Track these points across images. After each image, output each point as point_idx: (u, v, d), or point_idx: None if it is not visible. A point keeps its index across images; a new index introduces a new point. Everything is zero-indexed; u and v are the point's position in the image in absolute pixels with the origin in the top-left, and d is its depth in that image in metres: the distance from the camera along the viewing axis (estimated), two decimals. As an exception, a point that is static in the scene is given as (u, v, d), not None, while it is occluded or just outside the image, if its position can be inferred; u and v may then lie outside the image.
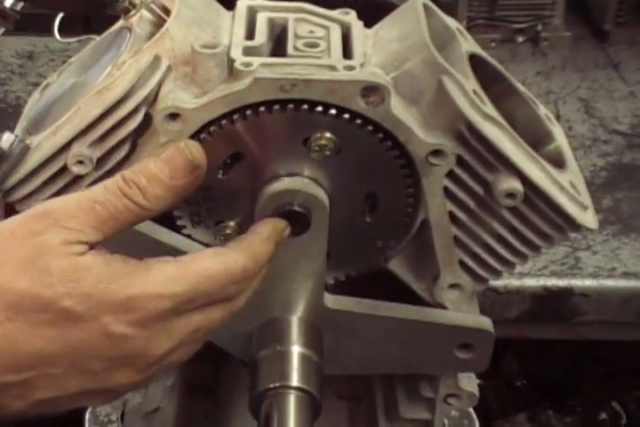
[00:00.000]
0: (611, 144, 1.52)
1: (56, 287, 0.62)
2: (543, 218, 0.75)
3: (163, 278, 0.64)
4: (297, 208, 0.72)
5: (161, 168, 0.65)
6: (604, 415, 1.62)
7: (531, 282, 1.25)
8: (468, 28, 1.36)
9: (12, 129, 0.76)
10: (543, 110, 0.83)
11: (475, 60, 0.76)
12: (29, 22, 0.98)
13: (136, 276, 0.64)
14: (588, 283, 1.26)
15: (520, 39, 1.78)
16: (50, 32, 1.64)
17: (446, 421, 0.93)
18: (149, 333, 0.64)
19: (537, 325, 1.31)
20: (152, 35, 0.76)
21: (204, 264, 0.66)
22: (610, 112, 1.60)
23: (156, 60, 0.72)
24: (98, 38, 0.83)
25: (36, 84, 1.61)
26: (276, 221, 0.72)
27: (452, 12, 0.78)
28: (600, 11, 1.82)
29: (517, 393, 1.63)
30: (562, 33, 1.79)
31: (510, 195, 0.72)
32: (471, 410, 1.00)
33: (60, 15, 1.01)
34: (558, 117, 1.42)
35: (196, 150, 0.67)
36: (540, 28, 1.78)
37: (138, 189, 0.65)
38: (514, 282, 1.24)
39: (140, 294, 0.63)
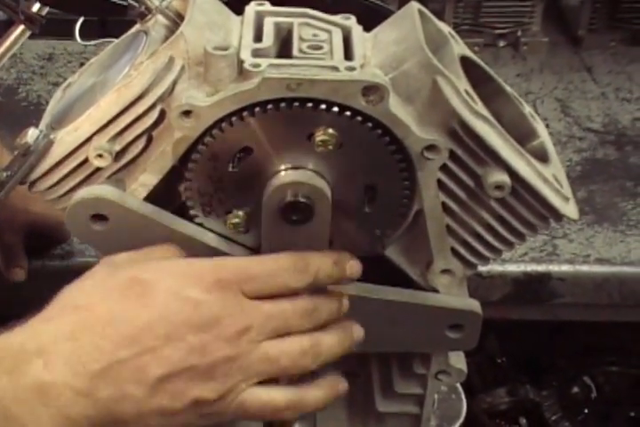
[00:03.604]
0: (585, 141, 1.51)
1: (143, 268, 0.69)
2: (529, 209, 0.74)
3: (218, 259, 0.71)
4: (301, 199, 0.71)
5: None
6: (576, 389, 1.62)
7: (512, 267, 1.25)
8: (455, 34, 1.35)
9: (35, 125, 0.75)
10: (527, 109, 0.82)
11: (466, 62, 0.75)
12: (49, 26, 0.98)
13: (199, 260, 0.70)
14: (565, 268, 1.25)
15: (501, 44, 1.78)
16: (68, 36, 1.63)
17: (436, 395, 0.92)
18: (221, 299, 0.67)
19: (517, 307, 1.30)
20: (166, 38, 0.75)
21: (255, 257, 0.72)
22: (584, 111, 1.59)
23: (171, 61, 0.71)
24: (116, 41, 0.82)
25: (56, 84, 1.61)
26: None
27: (438, 18, 0.77)
28: (574, 18, 1.81)
29: (498, 369, 1.63)
30: (540, 38, 1.78)
31: (499, 187, 0.71)
32: (458, 385, 1.00)
33: (81, 20, 0.99)
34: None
35: None
36: (519, 33, 1.77)
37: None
38: (496, 267, 1.23)
39: (201, 265, 0.68)
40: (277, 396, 0.70)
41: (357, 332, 0.75)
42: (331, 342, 0.72)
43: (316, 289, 0.72)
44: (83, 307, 0.66)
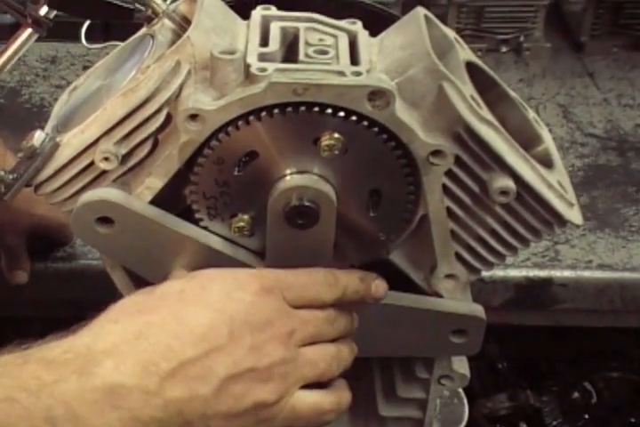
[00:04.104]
0: (587, 146, 1.51)
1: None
2: (533, 214, 0.74)
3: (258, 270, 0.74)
4: (307, 203, 0.71)
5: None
6: (576, 394, 1.62)
7: (514, 272, 1.24)
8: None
9: (40, 127, 0.75)
10: (532, 114, 0.82)
11: (471, 68, 0.75)
12: (52, 29, 0.98)
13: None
14: (567, 274, 1.25)
15: (504, 49, 1.78)
16: (71, 38, 1.62)
17: (438, 400, 0.92)
18: (269, 302, 0.69)
19: (519, 312, 1.30)
20: (173, 42, 0.75)
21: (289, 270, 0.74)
22: (586, 117, 1.59)
23: (178, 64, 0.71)
24: (122, 44, 0.82)
25: (59, 87, 1.61)
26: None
27: (441, 23, 0.77)
28: (577, 24, 1.81)
29: (498, 374, 1.63)
30: (542, 44, 1.78)
31: (504, 192, 0.71)
32: (460, 390, 1.00)
33: (87, 23, 1.00)
34: (539, 121, 1.42)
35: None
36: (522, 39, 1.77)
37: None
38: (498, 272, 1.23)
39: (244, 274, 0.71)
40: (322, 399, 0.72)
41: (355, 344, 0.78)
42: (347, 351, 0.75)
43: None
44: (145, 310, 0.66)
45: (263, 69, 0.69)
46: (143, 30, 0.80)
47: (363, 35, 0.76)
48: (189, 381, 0.64)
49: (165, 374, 0.63)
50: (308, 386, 0.71)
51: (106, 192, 0.73)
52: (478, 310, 0.79)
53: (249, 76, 0.69)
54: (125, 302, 0.69)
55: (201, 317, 0.66)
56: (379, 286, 0.75)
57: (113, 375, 0.62)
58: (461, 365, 0.84)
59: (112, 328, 0.65)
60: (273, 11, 0.78)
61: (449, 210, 0.74)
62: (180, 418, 0.63)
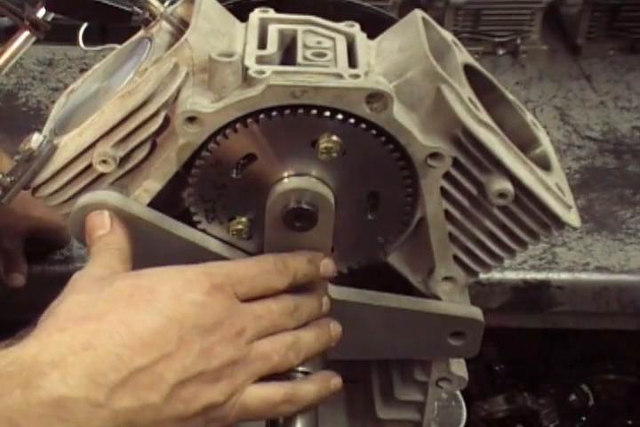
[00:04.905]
0: (584, 149, 1.52)
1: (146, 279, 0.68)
2: (531, 216, 0.74)
3: (209, 264, 0.71)
4: (305, 206, 0.71)
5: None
6: (574, 397, 1.62)
7: (511, 275, 1.25)
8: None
9: (37, 130, 0.75)
10: (530, 117, 0.82)
11: (469, 70, 0.75)
12: (49, 31, 0.97)
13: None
14: (564, 276, 1.26)
15: (501, 52, 1.78)
16: (68, 41, 1.62)
17: (436, 402, 0.92)
18: (220, 301, 0.67)
19: (516, 314, 1.30)
20: (171, 44, 0.75)
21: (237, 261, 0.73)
22: (583, 120, 1.59)
23: (176, 67, 0.71)
24: (119, 47, 0.82)
25: (56, 89, 1.61)
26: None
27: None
28: (573, 27, 1.82)
29: (496, 377, 1.63)
30: (539, 46, 1.78)
31: (502, 195, 0.71)
32: (458, 392, 1.00)
33: (85, 26, 1.00)
34: (536, 124, 1.42)
35: None
36: (519, 41, 1.77)
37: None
38: (496, 275, 1.23)
39: (194, 272, 0.68)
40: (273, 391, 0.70)
41: (335, 329, 0.76)
42: (309, 338, 0.73)
43: (299, 290, 0.73)
44: (94, 316, 0.64)
45: (261, 72, 0.69)
46: (141, 33, 0.80)
47: (360, 37, 0.76)
48: (139, 390, 0.63)
49: (114, 384, 0.62)
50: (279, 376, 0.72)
51: (103, 195, 0.73)
52: (476, 312, 0.79)
53: (247, 79, 0.69)
54: (73, 306, 0.66)
55: (150, 323, 0.64)
56: (327, 265, 0.74)
57: (59, 388, 0.60)
58: (459, 367, 0.84)
59: (59, 338, 0.63)
60: (271, 13, 0.78)
61: (447, 212, 0.74)
62: None
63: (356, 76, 0.69)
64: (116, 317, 0.64)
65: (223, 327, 0.67)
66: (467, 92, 0.72)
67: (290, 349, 0.71)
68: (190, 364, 0.65)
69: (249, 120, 0.69)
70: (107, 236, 0.71)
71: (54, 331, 0.64)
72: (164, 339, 0.64)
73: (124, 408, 0.62)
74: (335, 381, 0.75)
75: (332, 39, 0.75)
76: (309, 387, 0.73)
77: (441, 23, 1.69)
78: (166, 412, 0.64)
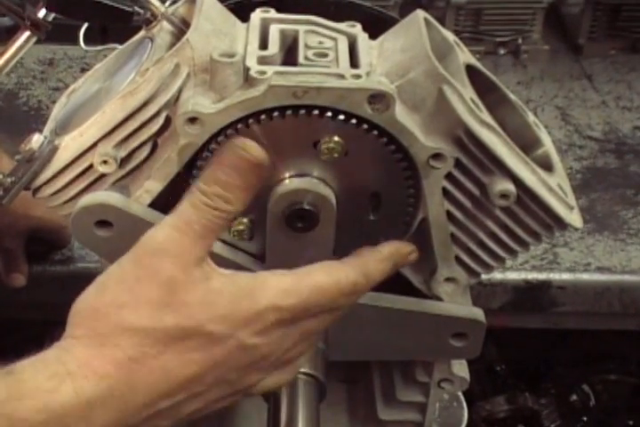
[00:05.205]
0: (585, 149, 1.51)
1: (198, 316, 0.63)
2: (534, 217, 0.74)
3: (281, 292, 0.66)
4: (306, 206, 0.71)
5: (230, 174, 0.65)
6: (575, 397, 1.62)
7: (513, 275, 1.24)
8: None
9: (38, 130, 0.75)
10: (532, 117, 0.82)
11: (471, 71, 0.75)
12: (49, 31, 0.97)
13: (258, 291, 0.65)
14: (565, 277, 1.25)
15: (502, 52, 1.78)
16: (69, 41, 1.62)
17: (437, 403, 0.92)
18: (271, 339, 0.66)
19: (517, 315, 1.30)
20: (172, 44, 0.75)
21: (318, 278, 0.68)
22: (584, 119, 1.59)
23: (177, 67, 0.71)
24: (120, 47, 0.82)
25: (56, 89, 1.61)
26: (403, 244, 0.73)
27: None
28: (575, 27, 1.81)
29: (497, 377, 1.63)
30: (540, 46, 1.78)
31: (504, 196, 0.71)
32: (460, 393, 1.00)
33: (85, 26, 0.99)
34: (537, 124, 1.42)
35: (254, 150, 0.65)
36: (520, 41, 1.77)
37: (219, 198, 0.64)
38: (497, 275, 1.23)
39: (265, 307, 0.65)
40: (281, 378, 0.70)
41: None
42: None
43: None
44: (140, 360, 0.62)
45: (263, 72, 0.69)
46: (142, 33, 0.79)
47: (362, 37, 0.75)
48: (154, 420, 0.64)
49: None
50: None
51: (105, 195, 0.72)
52: (478, 313, 0.79)
53: (248, 79, 0.69)
54: (123, 323, 0.63)
55: (191, 371, 0.63)
56: (413, 255, 0.74)
57: None
58: (461, 368, 0.84)
59: (94, 389, 0.61)
60: (272, 13, 0.77)
61: (449, 213, 0.73)
62: None
63: (358, 77, 0.69)
64: (160, 364, 0.63)
65: (262, 361, 0.67)
66: (469, 92, 0.72)
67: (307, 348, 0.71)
68: (214, 398, 0.66)
69: (250, 121, 0.69)
70: (236, 190, 0.66)
71: (92, 375, 0.61)
72: (199, 383, 0.64)
73: None
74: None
75: (334, 39, 0.75)
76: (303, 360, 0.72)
77: (442, 23, 1.69)
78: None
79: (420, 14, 0.75)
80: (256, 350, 0.66)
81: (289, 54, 0.74)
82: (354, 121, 0.69)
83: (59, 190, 0.74)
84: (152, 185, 0.73)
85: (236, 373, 0.66)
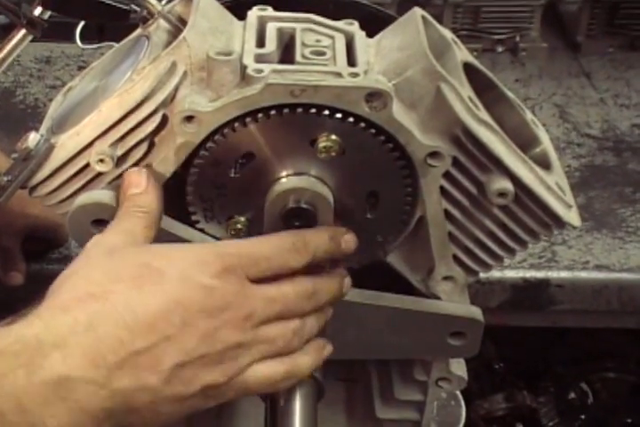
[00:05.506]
0: (583, 147, 1.51)
1: (144, 256, 0.68)
2: (531, 216, 0.74)
3: (223, 243, 0.73)
4: (304, 205, 0.71)
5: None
6: (573, 395, 1.62)
7: (511, 274, 1.24)
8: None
9: (34, 128, 0.75)
10: (529, 115, 0.82)
11: (468, 69, 0.75)
12: (47, 29, 0.97)
13: (203, 244, 0.72)
14: (564, 275, 1.25)
15: (500, 49, 1.78)
16: (66, 39, 1.63)
17: (435, 402, 0.92)
18: (229, 284, 0.67)
19: (516, 313, 1.30)
20: (169, 43, 0.75)
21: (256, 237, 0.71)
22: (582, 117, 1.59)
23: (174, 66, 0.71)
24: (117, 45, 0.81)
25: (53, 87, 1.60)
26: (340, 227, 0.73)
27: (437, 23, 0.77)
28: (573, 24, 1.81)
29: (495, 375, 1.63)
30: (538, 44, 1.78)
31: (502, 194, 0.71)
32: (458, 392, 1.00)
33: (82, 24, 0.99)
34: (535, 122, 1.42)
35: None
36: (518, 39, 1.77)
37: None
38: (495, 274, 1.23)
39: (209, 251, 0.68)
40: (275, 369, 0.70)
41: (329, 314, 0.75)
42: (316, 321, 0.72)
43: (317, 269, 0.72)
44: (98, 296, 0.65)
45: (259, 71, 0.68)
46: (138, 31, 0.79)
47: (360, 36, 0.75)
48: (137, 371, 0.64)
49: (113, 365, 0.63)
50: None
51: (101, 194, 0.72)
52: (476, 312, 0.79)
53: (245, 78, 0.69)
54: (79, 282, 0.67)
55: (154, 306, 0.65)
56: (348, 241, 0.73)
57: (60, 368, 0.62)
58: (459, 367, 0.84)
59: (62, 319, 0.64)
60: (269, 11, 0.77)
61: (447, 212, 0.73)
62: (127, 407, 0.64)
63: (356, 75, 0.69)
64: (121, 298, 0.65)
65: (230, 312, 0.67)
66: (466, 90, 0.71)
67: (295, 334, 0.70)
68: (192, 347, 0.65)
69: (247, 119, 0.69)
70: (139, 196, 0.71)
71: (58, 311, 0.65)
72: (167, 322, 0.64)
73: (123, 388, 0.63)
74: (328, 348, 0.75)
75: (331, 37, 0.74)
76: (306, 360, 0.72)
77: (440, 20, 1.68)
78: (164, 393, 0.65)
79: (417, 12, 0.75)
80: (216, 293, 0.66)
81: (286, 52, 0.74)
82: (351, 119, 0.69)
83: (55, 189, 0.74)
84: (149, 184, 0.72)
85: (205, 320, 0.65)
